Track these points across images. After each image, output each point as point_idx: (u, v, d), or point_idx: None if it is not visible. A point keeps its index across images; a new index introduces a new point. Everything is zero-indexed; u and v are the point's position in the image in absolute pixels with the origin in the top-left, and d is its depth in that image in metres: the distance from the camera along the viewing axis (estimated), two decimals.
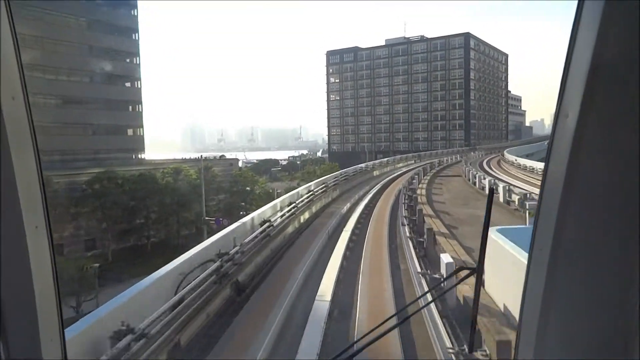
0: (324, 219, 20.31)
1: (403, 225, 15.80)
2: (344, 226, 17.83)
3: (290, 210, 16.84)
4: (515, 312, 6.07)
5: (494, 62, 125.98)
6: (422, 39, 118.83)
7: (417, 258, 11.43)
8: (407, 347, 7.41)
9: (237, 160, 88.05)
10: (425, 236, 13.43)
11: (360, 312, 9.22)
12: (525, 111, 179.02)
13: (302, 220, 18.97)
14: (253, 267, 11.65)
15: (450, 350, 6.63)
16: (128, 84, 64.76)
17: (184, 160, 66.41)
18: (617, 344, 1.55)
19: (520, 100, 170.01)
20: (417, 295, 9.63)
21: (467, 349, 6.40)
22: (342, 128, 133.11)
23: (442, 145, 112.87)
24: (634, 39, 1.33)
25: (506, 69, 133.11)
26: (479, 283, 2.07)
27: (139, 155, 64.96)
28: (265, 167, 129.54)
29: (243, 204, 49.32)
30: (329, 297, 9.60)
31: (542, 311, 1.65)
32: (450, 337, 6.90)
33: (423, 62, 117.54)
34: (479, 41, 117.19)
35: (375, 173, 46.14)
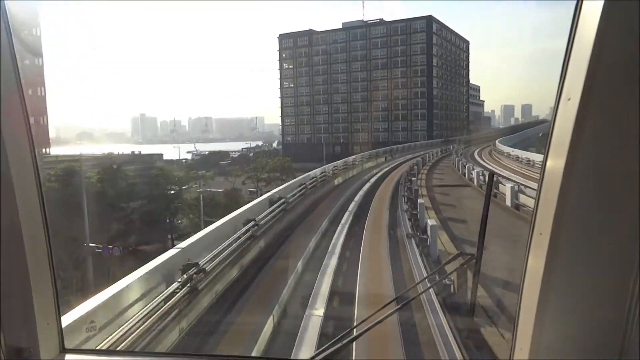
0: None
1: None
2: None
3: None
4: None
5: (456, 49, 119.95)
6: (381, 22, 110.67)
7: None
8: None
9: (162, 155, 76.52)
10: None
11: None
12: (484, 101, 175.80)
13: None
14: None
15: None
16: (27, 61, 52.27)
17: (99, 157, 54.63)
18: (614, 344, 1.56)
19: (479, 90, 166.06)
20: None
21: (465, 335, 6.63)
22: (296, 118, 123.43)
23: (403, 136, 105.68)
24: (636, 23, 1.33)
25: (467, 57, 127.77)
26: (478, 268, 2.14)
27: (43, 150, 52.81)
28: (214, 160, 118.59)
29: (167, 218, 37.67)
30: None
31: (538, 310, 1.65)
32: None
33: (383, 47, 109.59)
34: (442, 26, 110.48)
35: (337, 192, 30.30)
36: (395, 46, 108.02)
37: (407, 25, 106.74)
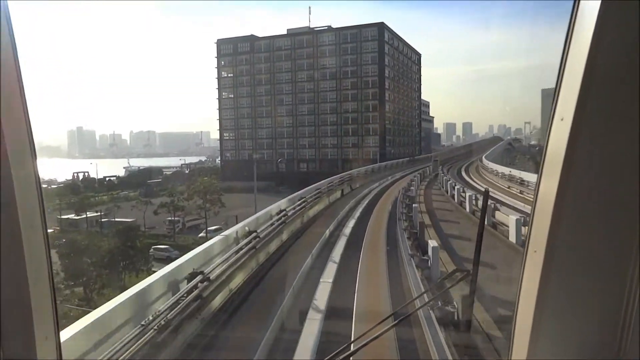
0: None
1: None
2: None
3: None
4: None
5: (408, 61, 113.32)
6: (330, 29, 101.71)
7: None
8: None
9: None
10: None
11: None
12: (433, 117, 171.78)
13: None
14: None
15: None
16: None
17: None
18: (611, 344, 1.60)
19: (429, 105, 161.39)
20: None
21: (461, 350, 6.71)
22: (237, 132, 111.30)
23: (354, 153, 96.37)
24: (628, 42, 1.39)
25: (419, 70, 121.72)
26: (474, 284, 2.16)
27: None
28: (142, 178, 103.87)
29: None
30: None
31: (535, 312, 1.68)
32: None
33: (331, 55, 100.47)
34: (394, 35, 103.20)
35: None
36: (344, 55, 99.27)
37: (357, 33, 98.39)
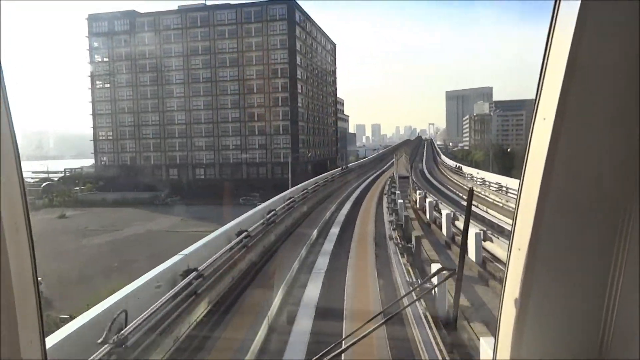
0: None
1: None
2: None
3: None
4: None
5: (322, 50, 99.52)
6: (229, 6, 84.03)
7: None
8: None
9: None
10: None
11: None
12: (348, 116, 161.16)
13: None
14: None
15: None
16: None
17: None
18: (594, 344, 1.65)
19: (344, 103, 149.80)
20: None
21: (449, 347, 6.78)
22: (115, 130, 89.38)
23: (261, 155, 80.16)
24: (608, 43, 1.46)
25: (334, 62, 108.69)
26: (460, 283, 2.15)
27: None
28: None
29: None
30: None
31: (520, 311, 1.72)
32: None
33: (232, 37, 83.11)
34: (306, 17, 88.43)
35: None
36: (248, 37, 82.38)
37: (262, 11, 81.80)
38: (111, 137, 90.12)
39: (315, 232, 17.46)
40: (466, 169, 53.32)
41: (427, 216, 20.74)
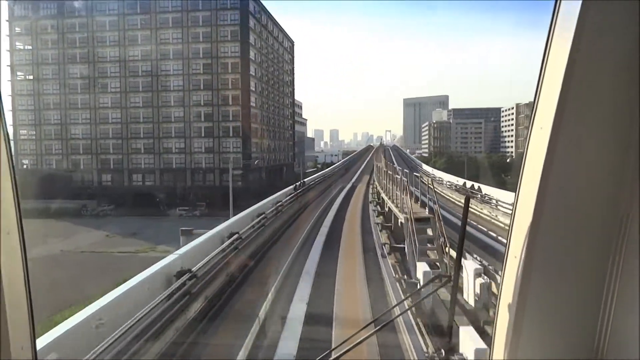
0: None
1: None
2: None
3: None
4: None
5: (279, 47, 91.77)
6: None
7: None
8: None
9: None
10: None
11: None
12: (307, 120, 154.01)
13: None
14: None
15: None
16: None
17: None
18: (589, 346, 1.67)
19: (302, 106, 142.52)
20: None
21: (444, 354, 6.56)
22: (38, 129, 77.72)
23: (208, 160, 71.14)
24: (603, 57, 1.51)
25: (292, 61, 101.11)
26: (455, 289, 2.21)
27: None
28: None
29: None
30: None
31: (516, 315, 1.74)
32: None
33: (176, 26, 73.81)
34: (262, 8, 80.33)
35: None
36: (194, 27, 73.30)
37: None
38: (34, 137, 78.24)
39: None
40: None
41: None
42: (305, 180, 37.66)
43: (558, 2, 1.56)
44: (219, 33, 72.74)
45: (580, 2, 1.46)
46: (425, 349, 6.99)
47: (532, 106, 1.66)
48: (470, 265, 8.92)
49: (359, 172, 65.21)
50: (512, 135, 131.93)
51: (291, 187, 29.92)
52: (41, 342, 4.98)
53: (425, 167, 55.18)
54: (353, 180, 54.18)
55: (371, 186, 28.84)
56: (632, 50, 1.47)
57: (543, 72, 1.60)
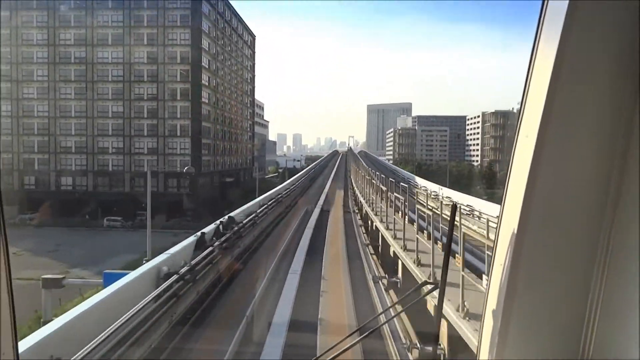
0: None
1: None
2: None
3: None
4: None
5: (238, 39, 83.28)
6: None
7: None
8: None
9: None
10: None
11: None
12: (269, 122, 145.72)
13: None
14: None
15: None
16: None
17: None
18: (575, 346, 1.70)
19: (264, 108, 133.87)
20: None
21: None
22: None
23: (152, 163, 61.60)
24: (588, 67, 1.55)
25: (253, 57, 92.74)
26: (442, 297, 2.22)
27: None
28: None
29: None
30: None
31: (503, 315, 1.77)
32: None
33: (116, 8, 64.06)
34: None
35: None
36: (138, 9, 63.85)
37: None
38: None
39: None
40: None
41: None
42: (244, 208, 20.82)
43: (545, 3, 1.58)
44: (166, 17, 63.54)
45: (567, 3, 1.47)
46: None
47: (517, 117, 1.70)
48: None
49: (327, 186, 54.24)
50: (477, 144, 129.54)
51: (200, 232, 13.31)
52: (23, 345, 5.00)
53: (419, 179, 46.07)
54: (321, 201, 39.74)
55: (353, 214, 22.25)
56: (620, 56, 1.51)
57: (528, 82, 1.63)
